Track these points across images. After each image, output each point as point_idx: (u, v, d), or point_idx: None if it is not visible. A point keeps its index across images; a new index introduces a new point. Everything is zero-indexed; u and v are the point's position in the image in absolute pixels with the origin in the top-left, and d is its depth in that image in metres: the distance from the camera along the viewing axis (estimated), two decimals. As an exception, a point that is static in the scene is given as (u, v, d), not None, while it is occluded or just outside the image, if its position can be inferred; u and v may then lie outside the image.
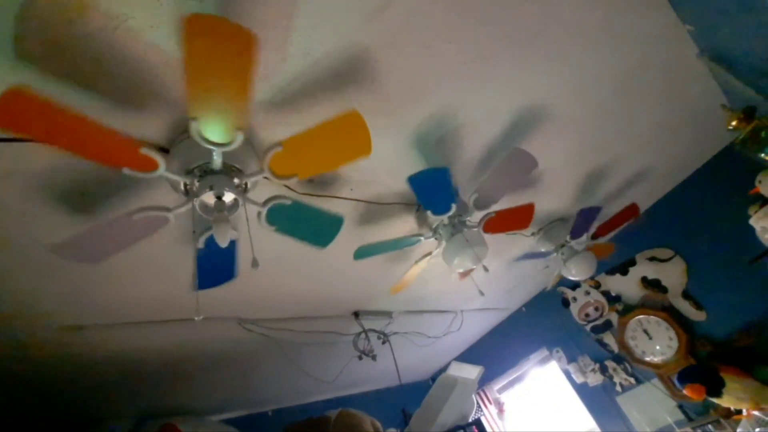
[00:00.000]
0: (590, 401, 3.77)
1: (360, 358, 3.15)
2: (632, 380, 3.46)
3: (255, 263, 1.43)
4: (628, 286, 3.57)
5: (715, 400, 2.57)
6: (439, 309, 3.77)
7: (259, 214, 1.60)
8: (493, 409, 4.64)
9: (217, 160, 1.36)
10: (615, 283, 3.65)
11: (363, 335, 3.23)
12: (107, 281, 1.93)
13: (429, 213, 2.12)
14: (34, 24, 1.05)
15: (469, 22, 1.49)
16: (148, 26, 1.13)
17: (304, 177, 1.48)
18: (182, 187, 1.46)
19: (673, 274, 3.31)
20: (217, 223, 1.42)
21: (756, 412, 2.47)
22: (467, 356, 4.91)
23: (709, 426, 2.86)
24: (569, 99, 2.07)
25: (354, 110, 1.30)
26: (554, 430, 4.19)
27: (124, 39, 1.13)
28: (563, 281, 3.70)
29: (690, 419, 3.00)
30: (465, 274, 2.31)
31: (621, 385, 3.52)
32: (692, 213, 3.29)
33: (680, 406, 3.09)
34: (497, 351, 4.69)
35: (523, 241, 3.09)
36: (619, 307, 3.61)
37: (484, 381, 4.53)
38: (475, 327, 4.54)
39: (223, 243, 1.43)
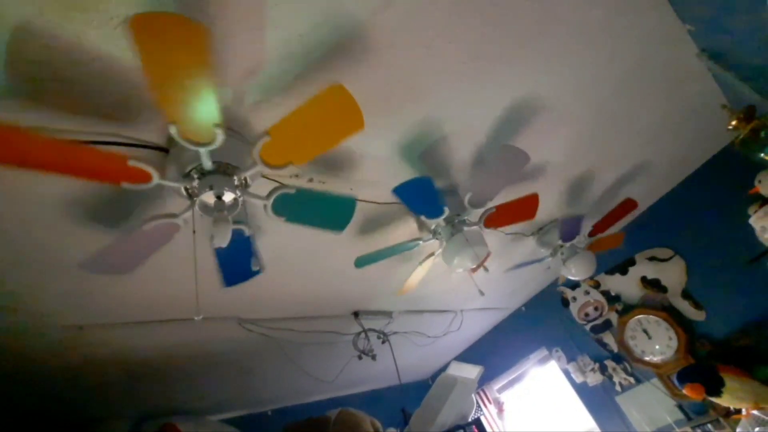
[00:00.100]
0: (590, 401, 3.77)
1: (360, 357, 3.15)
2: (632, 380, 3.47)
3: (256, 264, 1.43)
4: (627, 285, 3.57)
5: (714, 400, 2.57)
6: (438, 309, 3.77)
7: (264, 207, 1.57)
8: (492, 408, 4.64)
9: (206, 160, 1.35)
10: (615, 283, 3.66)
11: (363, 335, 3.23)
12: (107, 281, 1.92)
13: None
14: (24, 42, 1.06)
15: (469, 21, 1.49)
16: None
17: (300, 163, 1.42)
18: (183, 191, 1.45)
19: (672, 274, 3.32)
20: (217, 223, 1.42)
21: (755, 412, 2.48)
22: (467, 356, 4.91)
23: (709, 425, 2.87)
24: (569, 98, 2.07)
25: (337, 84, 1.22)
26: (554, 429, 4.19)
27: (115, 44, 1.13)
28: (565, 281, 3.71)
29: (689, 419, 3.01)
30: (476, 268, 2.32)
31: (620, 384, 3.52)
32: (692, 213, 3.29)
33: (680, 406, 3.09)
34: (497, 351, 4.69)
35: (523, 241, 3.09)
36: (619, 306, 3.61)
37: (484, 380, 4.53)
38: (474, 327, 4.54)
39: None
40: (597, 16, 1.69)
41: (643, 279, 3.46)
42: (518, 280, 3.85)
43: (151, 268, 1.94)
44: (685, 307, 3.22)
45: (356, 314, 3.19)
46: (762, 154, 2.02)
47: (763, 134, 1.95)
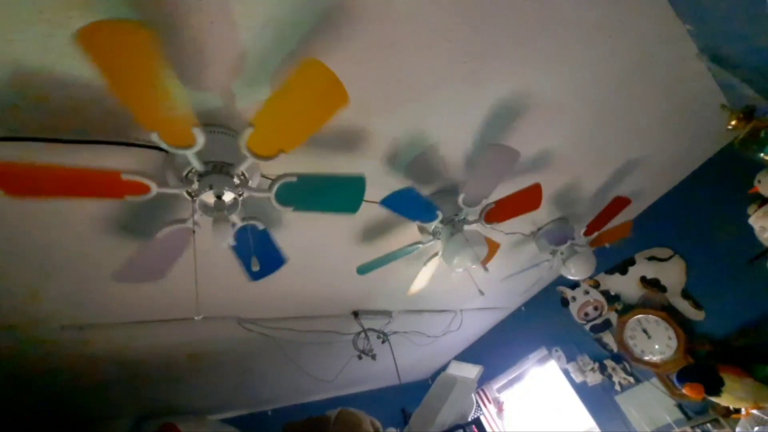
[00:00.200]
0: (589, 400, 3.77)
1: (360, 357, 3.15)
2: (631, 379, 3.47)
3: (255, 264, 1.43)
4: (627, 285, 3.57)
5: (714, 399, 2.57)
6: (438, 308, 3.77)
7: (269, 199, 1.56)
8: (492, 408, 4.65)
9: (196, 162, 1.34)
10: (614, 283, 3.66)
11: (362, 335, 3.23)
12: (107, 281, 1.92)
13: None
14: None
15: (469, 21, 1.49)
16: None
17: (291, 149, 1.34)
18: (186, 195, 1.45)
19: (672, 274, 3.32)
20: (217, 223, 1.42)
21: (755, 411, 2.48)
22: (467, 355, 4.91)
23: (708, 425, 2.87)
24: (569, 98, 2.07)
25: (310, 59, 1.13)
26: (553, 429, 4.19)
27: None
28: (561, 280, 3.71)
29: (689, 418, 3.01)
30: (486, 260, 2.36)
31: (620, 384, 3.53)
32: (691, 212, 3.29)
33: (679, 406, 3.09)
34: (496, 350, 4.69)
35: (523, 240, 3.09)
36: (619, 306, 3.61)
37: (484, 380, 4.53)
38: (474, 326, 4.55)
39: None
40: (597, 15, 1.69)
41: (643, 279, 3.46)
42: (518, 280, 3.85)
43: (151, 268, 1.94)
44: (685, 307, 3.22)
45: (356, 314, 3.19)
46: (761, 154, 2.03)
47: (762, 134, 1.95)
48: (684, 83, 2.30)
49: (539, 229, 3.04)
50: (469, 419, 3.34)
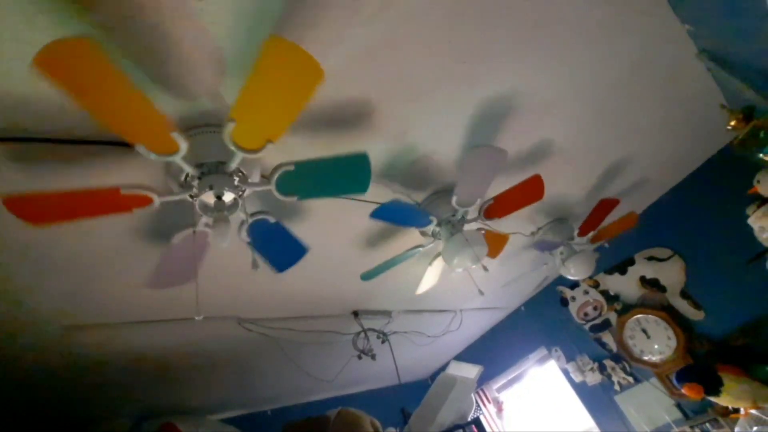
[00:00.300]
0: (589, 400, 3.78)
1: (359, 357, 3.15)
2: (630, 379, 3.47)
3: (255, 265, 1.44)
4: (626, 285, 3.58)
5: (713, 399, 2.58)
6: (438, 308, 3.77)
7: (269, 191, 1.55)
8: (492, 408, 4.65)
9: (186, 166, 1.35)
10: (614, 283, 3.66)
11: (362, 334, 3.24)
12: (107, 281, 1.93)
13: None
14: None
15: (469, 21, 1.49)
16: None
17: (277, 137, 1.30)
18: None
19: (671, 274, 3.32)
20: (217, 223, 1.42)
21: (754, 411, 2.48)
22: (466, 355, 4.92)
23: (707, 425, 2.87)
24: (568, 98, 2.07)
25: (272, 37, 1.08)
26: (553, 429, 4.20)
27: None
28: (562, 280, 3.71)
29: (688, 418, 3.01)
30: (496, 252, 2.39)
31: (619, 384, 3.53)
32: (691, 212, 3.30)
33: (678, 405, 3.10)
34: (496, 350, 4.70)
35: (523, 240, 3.09)
36: (618, 306, 3.61)
37: (483, 380, 4.53)
38: (474, 326, 4.55)
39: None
40: (596, 16, 1.69)
41: (642, 279, 3.47)
42: (519, 281, 3.85)
43: (151, 268, 1.94)
44: (684, 307, 3.23)
45: (356, 314, 3.19)
46: (761, 154, 2.03)
47: (761, 134, 1.96)
48: (684, 83, 2.30)
49: (539, 229, 3.04)
50: (469, 419, 3.34)
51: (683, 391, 2.61)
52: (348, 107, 1.61)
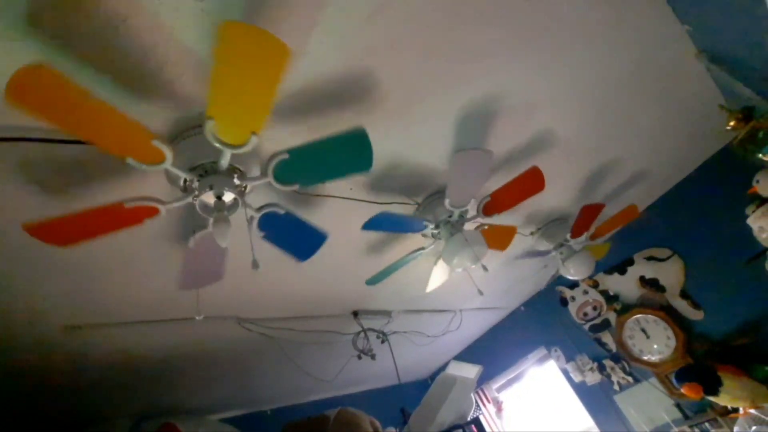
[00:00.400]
0: (588, 400, 3.78)
1: (359, 357, 3.16)
2: (630, 379, 3.48)
3: (255, 264, 1.43)
4: (626, 285, 3.58)
5: (712, 399, 2.58)
6: (437, 308, 3.78)
7: (269, 184, 1.52)
8: (491, 407, 4.65)
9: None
10: (613, 283, 3.66)
11: (362, 334, 3.24)
12: (106, 281, 1.93)
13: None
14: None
15: (469, 22, 1.49)
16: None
17: (260, 127, 1.25)
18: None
19: (671, 274, 3.33)
20: (217, 223, 1.42)
21: (753, 411, 2.49)
22: (466, 355, 4.92)
23: (707, 424, 2.88)
24: (567, 98, 2.07)
25: (225, 22, 1.00)
26: (552, 428, 4.20)
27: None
28: (562, 280, 3.71)
29: (687, 418, 3.01)
30: (505, 245, 2.40)
31: (619, 383, 3.53)
32: (690, 212, 3.30)
33: (678, 405, 3.10)
34: (496, 350, 4.70)
35: (522, 240, 3.09)
36: (618, 306, 3.62)
37: (483, 380, 4.54)
38: (473, 326, 4.55)
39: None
40: (596, 16, 1.70)
41: (642, 278, 3.47)
42: (517, 280, 3.86)
43: (151, 268, 1.94)
44: (684, 307, 3.23)
45: (355, 314, 3.19)
46: (760, 154, 2.03)
47: (761, 134, 1.96)
48: (683, 83, 2.30)
49: (538, 229, 3.04)
50: (469, 419, 3.34)
51: (682, 390, 2.61)
52: (347, 109, 1.61)
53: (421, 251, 2.33)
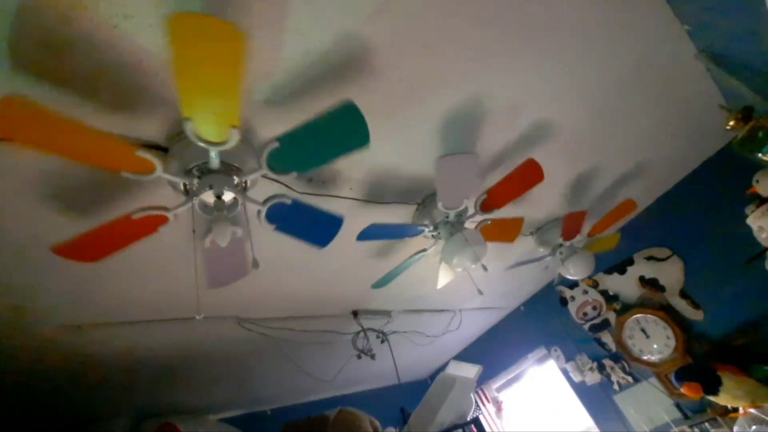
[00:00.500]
0: (588, 400, 3.78)
1: (359, 357, 3.15)
2: (630, 379, 3.48)
3: (255, 264, 1.44)
4: (625, 285, 3.58)
5: (712, 399, 2.58)
6: (437, 308, 3.78)
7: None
8: (491, 407, 4.65)
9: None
10: (613, 282, 3.67)
11: (362, 334, 3.24)
12: (106, 280, 1.93)
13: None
14: (29, 27, 1.05)
15: (468, 21, 1.50)
16: (147, 25, 1.13)
17: (237, 120, 1.21)
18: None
19: (670, 274, 3.33)
20: (216, 223, 1.42)
21: (753, 410, 2.49)
22: (466, 355, 4.92)
23: (706, 424, 2.88)
24: (567, 97, 2.07)
25: (174, 14, 0.95)
26: (552, 428, 4.20)
27: (121, 39, 1.13)
28: (562, 280, 3.71)
29: (687, 417, 3.01)
30: (514, 236, 2.42)
31: (618, 383, 3.53)
32: (690, 212, 3.30)
33: (677, 405, 3.10)
34: (495, 350, 4.70)
35: (522, 240, 3.09)
36: (617, 306, 3.62)
37: (483, 380, 4.54)
38: (473, 326, 4.55)
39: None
40: (596, 15, 1.70)
41: (641, 278, 3.47)
42: (517, 280, 3.86)
43: (151, 268, 1.94)
44: (683, 307, 3.23)
45: (355, 313, 3.19)
46: (759, 154, 2.03)
47: (760, 134, 1.96)
48: (683, 83, 2.30)
49: (538, 229, 3.04)
50: (468, 419, 3.34)
51: (682, 390, 2.61)
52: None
53: (423, 253, 2.34)
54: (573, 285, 3.87)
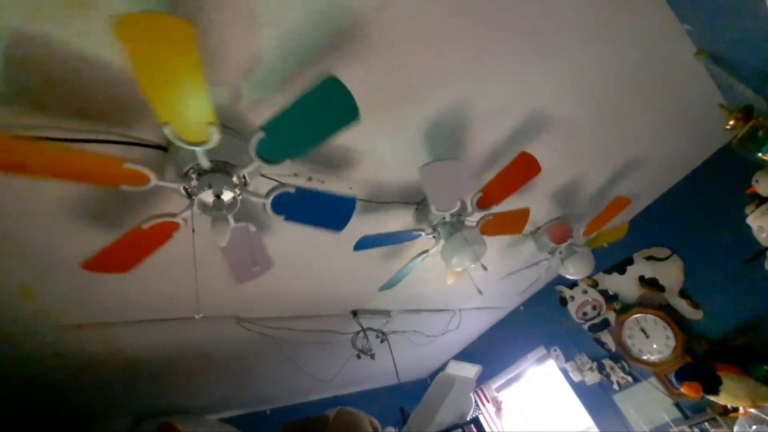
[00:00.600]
0: (588, 400, 3.78)
1: (358, 356, 3.15)
2: (629, 379, 3.48)
3: (255, 263, 1.43)
4: (625, 284, 3.58)
5: (711, 398, 2.58)
6: (437, 308, 3.78)
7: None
8: (491, 407, 4.65)
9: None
10: (613, 282, 3.67)
11: (361, 334, 3.24)
12: (106, 280, 1.92)
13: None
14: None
15: (469, 21, 1.49)
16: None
17: (212, 117, 1.19)
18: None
19: (670, 273, 3.33)
20: (215, 222, 1.42)
21: (752, 410, 2.49)
22: (465, 355, 4.92)
23: (706, 424, 2.88)
24: (567, 97, 2.07)
25: (120, 17, 0.92)
26: (552, 428, 4.20)
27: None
28: (561, 280, 3.71)
29: (687, 417, 3.01)
30: (520, 228, 2.40)
31: (618, 383, 3.53)
32: (690, 212, 3.30)
33: (677, 405, 3.10)
34: (495, 350, 4.70)
35: (521, 240, 3.10)
36: (617, 305, 3.62)
37: (482, 379, 4.54)
38: (473, 326, 4.55)
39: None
40: (596, 15, 1.70)
41: (641, 278, 3.47)
42: (516, 280, 3.85)
43: (151, 267, 1.94)
44: (683, 306, 3.23)
45: (355, 313, 3.19)
46: (759, 154, 2.03)
47: (760, 134, 1.96)
48: (683, 83, 2.30)
49: (538, 229, 3.04)
50: (468, 419, 3.34)
51: (682, 390, 2.61)
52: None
53: (426, 254, 2.34)
54: (573, 285, 3.87)
